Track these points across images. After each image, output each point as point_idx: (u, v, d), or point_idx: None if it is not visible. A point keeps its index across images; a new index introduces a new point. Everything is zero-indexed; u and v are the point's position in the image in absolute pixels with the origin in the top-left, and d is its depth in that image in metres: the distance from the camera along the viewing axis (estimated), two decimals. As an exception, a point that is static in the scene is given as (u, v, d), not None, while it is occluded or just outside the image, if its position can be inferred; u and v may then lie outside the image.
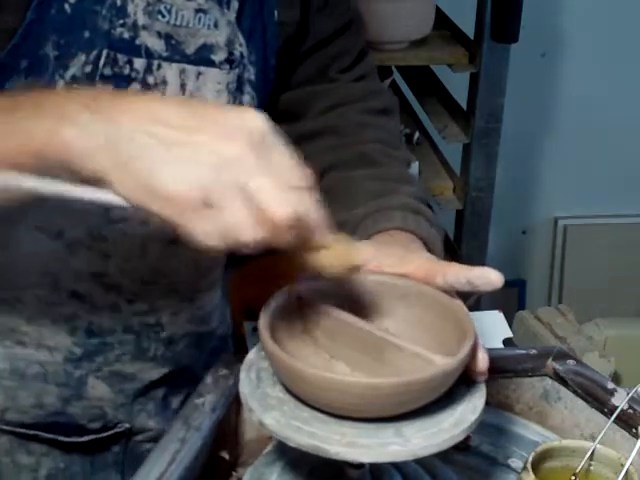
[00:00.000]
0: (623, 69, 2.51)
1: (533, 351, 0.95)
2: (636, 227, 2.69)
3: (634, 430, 0.85)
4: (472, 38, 1.87)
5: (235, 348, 1.19)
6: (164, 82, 0.88)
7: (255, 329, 1.22)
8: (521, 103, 2.35)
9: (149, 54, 0.87)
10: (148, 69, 0.87)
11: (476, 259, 1.99)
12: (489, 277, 0.76)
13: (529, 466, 0.78)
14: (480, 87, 1.85)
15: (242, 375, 0.77)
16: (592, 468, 0.82)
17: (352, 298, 0.81)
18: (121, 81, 0.86)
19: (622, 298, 2.63)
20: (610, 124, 2.54)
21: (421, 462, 0.82)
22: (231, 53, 0.92)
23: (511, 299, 2.69)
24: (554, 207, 2.68)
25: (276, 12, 0.95)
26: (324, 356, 0.78)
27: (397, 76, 2.21)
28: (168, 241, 0.93)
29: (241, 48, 0.93)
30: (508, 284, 3.06)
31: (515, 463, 0.89)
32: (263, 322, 0.75)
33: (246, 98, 0.95)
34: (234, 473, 0.88)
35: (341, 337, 0.77)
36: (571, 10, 2.45)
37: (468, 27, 1.88)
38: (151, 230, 0.91)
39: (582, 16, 2.45)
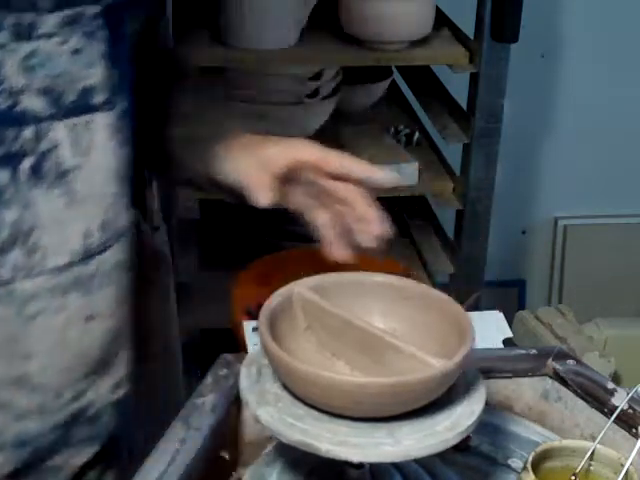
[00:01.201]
0: (623, 69, 2.50)
1: (533, 351, 0.95)
2: (636, 227, 2.69)
3: (634, 430, 0.85)
4: (472, 38, 1.87)
5: (235, 348, 1.19)
6: (56, 146, 0.82)
7: (255, 329, 1.22)
8: (521, 103, 2.34)
9: (34, 118, 0.80)
10: (38, 136, 0.80)
11: (476, 259, 1.99)
12: (372, 174, 0.89)
13: (529, 466, 0.78)
14: (480, 87, 1.85)
15: (243, 370, 0.77)
16: (592, 468, 0.82)
17: (356, 298, 0.82)
18: (11, 161, 0.79)
19: (622, 298, 2.63)
20: (610, 124, 2.54)
21: (421, 462, 0.82)
22: (109, 91, 0.86)
23: (511, 299, 2.69)
24: (554, 207, 2.68)
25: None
26: (326, 354, 0.79)
27: (397, 76, 2.21)
28: (85, 318, 0.89)
29: (115, 81, 0.87)
30: (508, 284, 3.06)
31: (515, 463, 0.89)
32: (263, 320, 0.75)
33: (129, 133, 0.89)
34: (234, 473, 0.88)
35: (343, 336, 0.78)
36: (571, 10, 2.45)
37: (468, 27, 1.88)
38: (70, 311, 0.87)
39: (582, 16, 2.45)
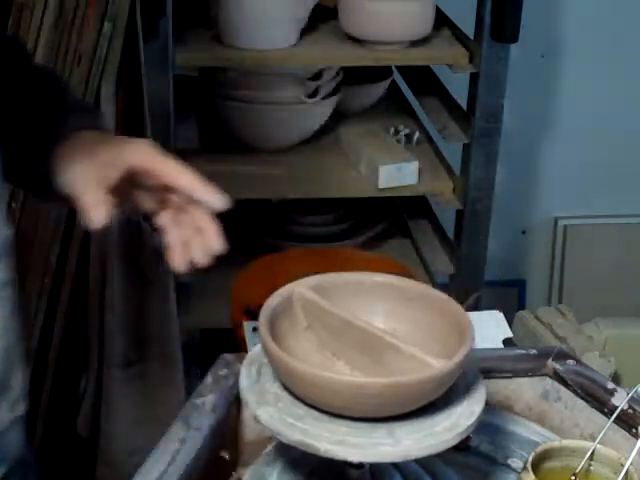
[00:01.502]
0: (623, 69, 2.50)
1: (533, 351, 0.95)
2: (636, 227, 2.69)
3: (634, 430, 0.85)
4: (472, 38, 1.87)
5: (235, 348, 1.19)
6: None
7: (255, 329, 1.22)
8: (521, 103, 2.34)
9: None
10: None
11: (476, 259, 1.99)
12: (198, 194, 0.84)
13: (529, 466, 0.78)
14: (480, 87, 1.85)
15: (243, 370, 0.77)
16: (592, 468, 0.82)
17: (356, 298, 0.81)
18: None
19: (622, 298, 2.63)
20: (610, 124, 2.54)
21: (421, 462, 0.82)
22: None
23: (511, 299, 2.69)
24: (554, 207, 2.68)
25: None
26: (326, 354, 0.79)
27: (397, 76, 2.21)
28: None
29: None
30: (508, 284, 3.05)
31: (515, 463, 0.89)
32: (263, 320, 0.75)
33: None
34: (234, 473, 0.88)
35: (343, 336, 0.78)
36: (571, 10, 2.45)
37: (468, 27, 1.88)
38: None
39: (582, 16, 2.45)
